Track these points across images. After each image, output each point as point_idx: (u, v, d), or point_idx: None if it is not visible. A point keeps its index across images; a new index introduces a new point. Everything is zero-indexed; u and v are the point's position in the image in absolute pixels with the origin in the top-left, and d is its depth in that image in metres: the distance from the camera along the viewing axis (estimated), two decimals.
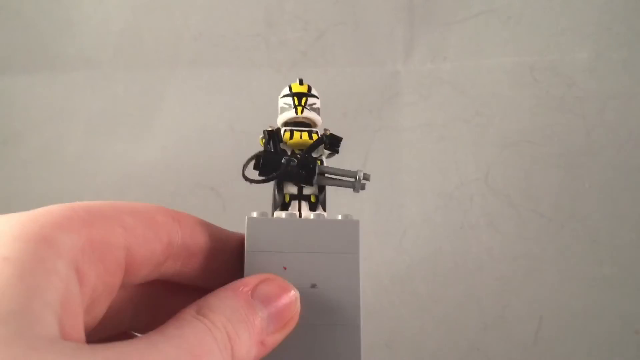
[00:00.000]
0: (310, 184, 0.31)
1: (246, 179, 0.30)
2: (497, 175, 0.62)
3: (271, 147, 0.32)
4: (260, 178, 0.30)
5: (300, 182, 0.31)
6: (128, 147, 0.65)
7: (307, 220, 0.30)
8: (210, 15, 0.64)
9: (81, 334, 0.22)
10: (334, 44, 0.63)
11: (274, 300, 0.26)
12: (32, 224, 0.22)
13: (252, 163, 0.31)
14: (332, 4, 0.63)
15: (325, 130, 0.34)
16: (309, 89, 0.34)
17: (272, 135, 0.32)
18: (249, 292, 0.26)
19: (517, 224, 0.61)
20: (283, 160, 0.30)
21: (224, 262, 0.30)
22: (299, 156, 0.31)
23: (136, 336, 0.31)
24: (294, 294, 0.27)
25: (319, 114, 0.33)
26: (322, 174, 0.31)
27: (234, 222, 0.31)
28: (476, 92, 0.62)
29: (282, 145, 0.32)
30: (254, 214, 0.29)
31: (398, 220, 0.63)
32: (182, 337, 0.22)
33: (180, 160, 0.64)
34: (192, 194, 0.63)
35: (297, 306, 0.27)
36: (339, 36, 0.63)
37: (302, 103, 0.33)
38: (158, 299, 0.31)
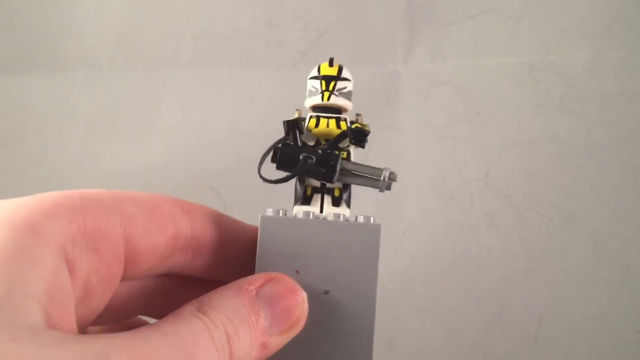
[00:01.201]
0: (331, 182, 0.29)
1: (262, 178, 0.29)
2: (497, 175, 0.62)
3: (291, 140, 0.29)
4: (276, 178, 0.28)
5: (319, 180, 0.29)
6: (128, 147, 0.65)
7: (324, 221, 0.28)
8: (210, 15, 0.64)
9: (72, 324, 0.21)
10: (334, 44, 0.63)
11: (280, 300, 0.25)
12: (21, 210, 0.21)
13: (270, 156, 0.29)
14: (332, 4, 0.63)
15: (357, 116, 0.32)
16: (340, 70, 0.31)
17: (292, 126, 0.29)
18: (254, 291, 0.24)
19: (517, 224, 0.61)
20: (301, 157, 0.28)
21: (236, 255, 0.29)
22: (319, 151, 0.29)
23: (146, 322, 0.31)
24: (301, 295, 0.26)
25: (349, 98, 0.31)
26: (344, 171, 0.29)
27: None
28: (476, 92, 0.62)
29: (306, 134, 0.30)
30: (269, 211, 0.28)
31: (398, 220, 0.63)
32: (176, 334, 0.21)
33: (180, 160, 0.64)
34: (192, 194, 0.63)
35: (304, 308, 0.26)
36: (339, 36, 0.63)
37: (330, 88, 0.30)
38: (170, 290, 0.30)
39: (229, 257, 0.29)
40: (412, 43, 0.62)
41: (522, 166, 0.61)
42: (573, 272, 0.61)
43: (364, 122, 0.31)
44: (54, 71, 0.65)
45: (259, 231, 0.27)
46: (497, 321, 0.62)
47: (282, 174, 0.29)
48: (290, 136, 0.29)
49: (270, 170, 0.29)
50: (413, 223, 0.63)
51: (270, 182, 0.29)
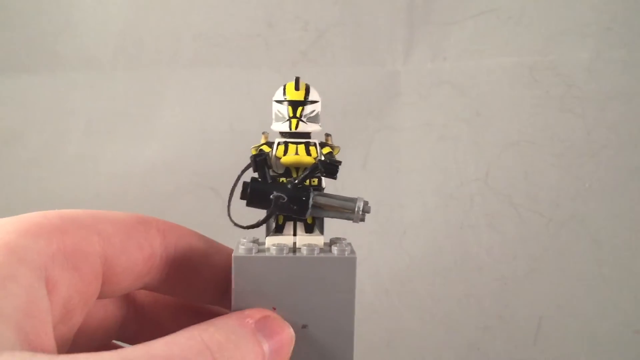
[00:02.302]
0: (304, 217, 0.28)
1: (233, 222, 0.28)
2: (497, 175, 0.62)
3: (259, 176, 0.29)
4: (249, 224, 0.28)
5: (292, 215, 0.29)
6: (128, 147, 0.65)
7: (297, 258, 0.27)
8: (210, 15, 0.64)
9: (49, 341, 0.21)
10: (334, 44, 0.63)
11: (276, 336, 0.25)
12: None
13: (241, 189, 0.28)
14: (332, 4, 0.63)
15: (327, 137, 0.31)
16: (307, 92, 0.30)
17: (260, 164, 0.29)
18: (254, 323, 0.25)
19: (517, 224, 0.61)
20: (272, 197, 0.28)
21: (211, 276, 0.30)
22: (289, 186, 0.28)
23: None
24: (292, 332, 0.26)
25: (318, 121, 0.30)
26: (316, 205, 0.28)
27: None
28: (476, 92, 0.62)
29: (275, 161, 0.29)
30: (242, 248, 0.27)
31: (398, 220, 0.63)
32: (175, 345, 0.21)
33: (180, 160, 0.64)
34: (192, 194, 0.63)
35: (292, 346, 0.26)
36: (339, 36, 0.63)
37: (298, 114, 0.29)
38: (146, 310, 0.31)
39: (204, 278, 0.30)
40: (412, 43, 0.62)
41: (522, 166, 0.61)
42: (573, 272, 0.61)
43: (334, 144, 0.31)
44: (54, 71, 0.65)
45: (232, 270, 0.27)
46: (497, 321, 0.62)
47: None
48: (259, 173, 0.29)
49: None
50: (413, 223, 0.63)
51: (242, 227, 0.28)
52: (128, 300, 0.30)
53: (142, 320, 0.31)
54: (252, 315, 0.25)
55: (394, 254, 0.63)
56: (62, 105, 0.65)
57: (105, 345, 0.30)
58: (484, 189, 0.62)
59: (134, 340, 0.31)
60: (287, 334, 0.26)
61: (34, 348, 0.20)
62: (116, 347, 0.31)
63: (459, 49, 0.62)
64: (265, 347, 0.24)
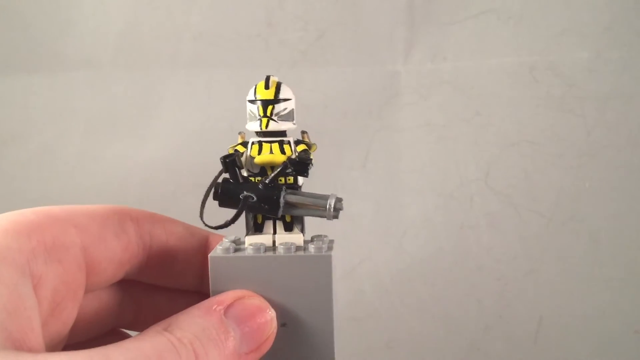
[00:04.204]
0: (276, 216, 0.28)
1: (204, 223, 0.28)
2: (497, 175, 0.62)
3: (231, 177, 0.29)
4: (219, 224, 0.28)
5: (265, 214, 0.29)
6: (128, 147, 0.65)
7: (273, 257, 0.27)
8: (210, 15, 0.64)
9: (36, 339, 0.21)
10: (334, 44, 0.63)
11: (249, 319, 0.25)
12: None
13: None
14: (332, 4, 0.63)
15: (303, 134, 0.31)
16: (277, 91, 0.30)
17: (230, 165, 0.29)
18: (222, 310, 0.24)
19: (517, 224, 0.61)
20: (241, 196, 0.28)
21: (188, 259, 0.30)
22: (260, 186, 0.28)
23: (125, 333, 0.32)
24: (270, 313, 0.26)
25: (291, 118, 0.30)
26: (288, 204, 0.28)
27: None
28: (476, 92, 0.62)
29: (250, 161, 0.30)
30: (219, 248, 0.28)
31: (398, 220, 0.63)
32: (139, 350, 0.21)
33: (180, 160, 0.64)
34: (192, 194, 0.63)
35: (273, 327, 0.26)
36: (339, 36, 0.63)
37: (268, 113, 0.30)
38: (140, 297, 0.31)
39: (182, 262, 0.30)
40: (412, 43, 0.62)
41: (522, 166, 0.61)
42: (573, 272, 0.61)
43: (311, 142, 0.31)
44: (54, 71, 0.65)
45: (209, 271, 0.27)
46: (497, 321, 0.62)
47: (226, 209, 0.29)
48: (229, 173, 0.29)
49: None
50: (413, 223, 0.63)
51: (212, 227, 0.28)
52: (122, 288, 0.31)
53: (139, 307, 0.31)
54: (223, 301, 0.25)
55: (394, 254, 0.63)
56: (62, 105, 0.65)
57: (107, 335, 0.30)
58: (484, 189, 0.62)
59: (133, 326, 0.31)
60: (264, 315, 0.25)
61: (19, 347, 0.20)
62: (120, 334, 0.31)
63: (459, 49, 0.62)
64: (235, 334, 0.24)
